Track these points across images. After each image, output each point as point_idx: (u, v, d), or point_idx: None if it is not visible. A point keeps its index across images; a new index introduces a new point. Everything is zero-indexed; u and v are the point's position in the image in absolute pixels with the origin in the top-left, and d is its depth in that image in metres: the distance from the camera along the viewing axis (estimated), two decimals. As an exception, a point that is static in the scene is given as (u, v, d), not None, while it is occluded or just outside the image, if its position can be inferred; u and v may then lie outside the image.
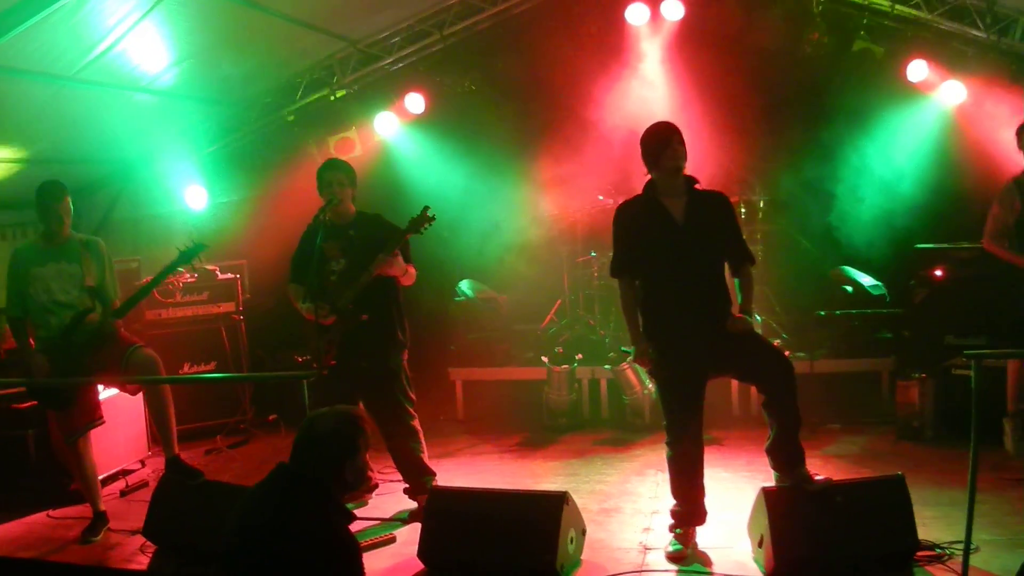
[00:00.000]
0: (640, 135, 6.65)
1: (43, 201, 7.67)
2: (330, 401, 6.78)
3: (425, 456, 7.85)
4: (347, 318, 7.49)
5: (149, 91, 10.20)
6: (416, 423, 7.81)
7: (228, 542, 4.55)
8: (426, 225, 7.54)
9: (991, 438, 8.09)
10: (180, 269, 8.15)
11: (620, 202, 7.14)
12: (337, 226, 7.69)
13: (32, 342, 7.78)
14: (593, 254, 11.51)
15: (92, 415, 7.89)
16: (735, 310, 6.59)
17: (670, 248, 6.54)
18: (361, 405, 7.51)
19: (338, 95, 12.23)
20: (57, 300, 7.67)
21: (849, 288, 11.14)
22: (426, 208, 7.57)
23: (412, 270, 7.76)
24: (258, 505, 4.61)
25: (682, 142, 6.53)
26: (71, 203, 7.81)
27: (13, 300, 7.76)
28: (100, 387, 8.25)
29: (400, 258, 7.58)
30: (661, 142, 6.54)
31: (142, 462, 9.57)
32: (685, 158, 6.54)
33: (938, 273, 10.23)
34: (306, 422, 4.78)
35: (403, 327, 7.87)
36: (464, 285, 11.83)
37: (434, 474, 7.83)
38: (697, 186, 6.70)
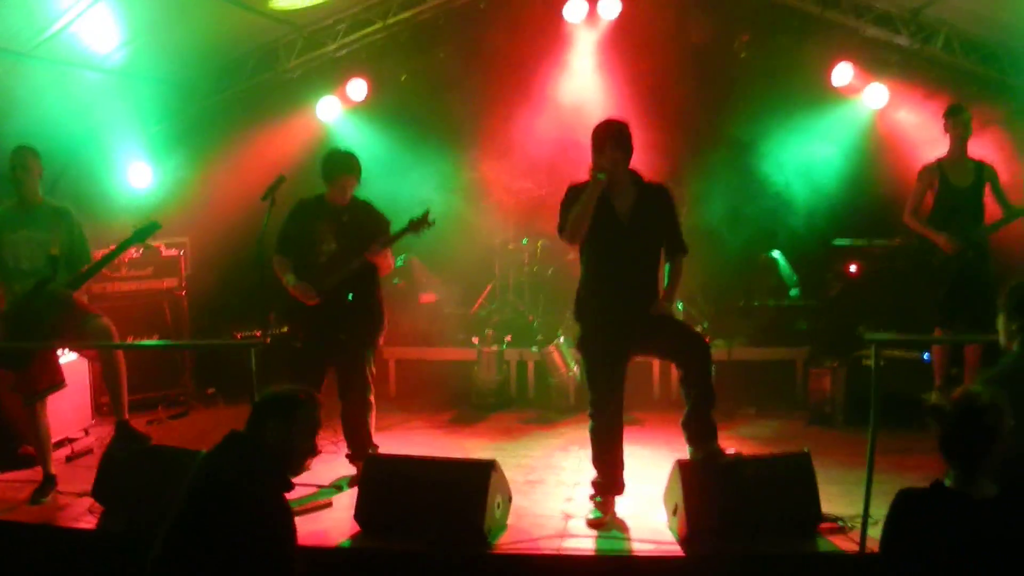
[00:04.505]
0: (571, 127, 6.91)
1: (14, 165, 7.84)
2: (301, 368, 7.15)
3: (373, 429, 8.17)
4: (332, 299, 7.78)
5: (100, 69, 10.37)
6: (372, 398, 8.12)
7: (179, 502, 4.84)
8: (425, 228, 7.87)
9: (895, 423, 8.48)
10: (133, 246, 8.31)
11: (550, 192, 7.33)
12: (332, 208, 7.95)
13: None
14: (524, 241, 11.81)
15: (53, 378, 8.05)
16: (660, 295, 6.97)
17: (612, 243, 6.83)
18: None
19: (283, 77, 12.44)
20: (21, 268, 7.85)
21: (772, 280, 11.58)
22: (427, 212, 7.88)
23: (392, 261, 8.11)
24: (210, 468, 4.86)
25: (618, 146, 6.72)
26: (42, 165, 7.97)
27: None
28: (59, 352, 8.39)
29: (389, 252, 7.95)
30: (598, 144, 6.77)
31: (85, 431, 9.70)
32: (621, 161, 6.76)
33: (852, 268, 10.75)
34: (267, 393, 5.04)
35: (382, 310, 8.19)
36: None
37: (376, 447, 8.10)
38: (642, 178, 7.01)
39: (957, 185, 8.93)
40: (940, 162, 9.04)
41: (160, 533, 4.72)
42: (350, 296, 7.84)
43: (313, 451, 5.06)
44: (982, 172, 8.91)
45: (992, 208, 8.99)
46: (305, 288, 7.76)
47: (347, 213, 7.96)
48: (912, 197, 9.17)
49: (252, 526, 4.58)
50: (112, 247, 8.22)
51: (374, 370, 8.25)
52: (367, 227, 7.93)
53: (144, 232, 8.17)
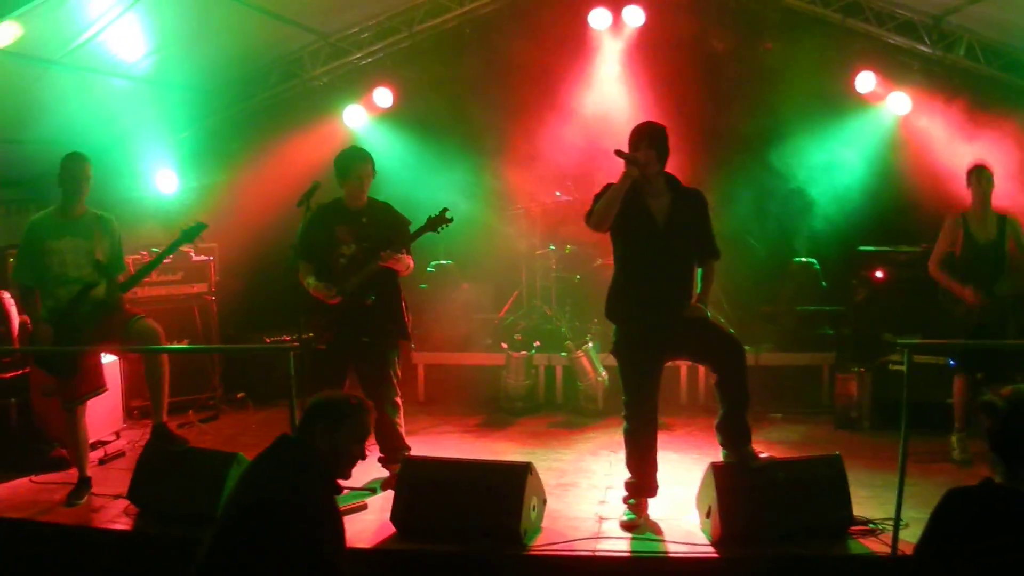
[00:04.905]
0: (596, 134, 6.93)
1: (67, 170, 7.95)
2: (322, 371, 7.21)
3: (403, 431, 8.23)
4: (353, 300, 7.85)
5: (128, 77, 10.42)
6: (399, 400, 8.19)
7: (227, 504, 4.93)
8: (443, 225, 7.95)
9: (923, 428, 8.52)
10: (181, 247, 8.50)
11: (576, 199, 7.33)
12: (349, 211, 8.01)
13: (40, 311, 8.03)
14: (552, 248, 11.82)
15: (95, 383, 8.16)
16: (693, 299, 7.03)
17: (648, 247, 6.92)
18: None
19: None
20: (68, 275, 7.93)
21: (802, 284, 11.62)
22: (444, 210, 7.97)
23: (411, 262, 8.12)
24: (259, 472, 4.95)
25: (652, 145, 6.82)
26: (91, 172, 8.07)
27: (25, 270, 8.01)
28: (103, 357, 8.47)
29: (406, 254, 7.99)
30: (633, 142, 6.89)
31: (117, 434, 9.80)
32: (655, 160, 6.84)
33: (878, 274, 10.78)
34: (318, 398, 5.13)
35: (404, 312, 8.26)
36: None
37: (409, 448, 8.17)
38: (679, 183, 7.08)
39: (980, 240, 8.99)
40: (964, 215, 9.09)
41: (208, 534, 4.77)
42: (372, 298, 7.90)
43: (362, 456, 5.13)
44: (1004, 225, 8.96)
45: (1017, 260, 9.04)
46: (326, 288, 7.84)
47: (365, 215, 8.04)
48: (937, 249, 9.22)
49: (301, 529, 4.63)
50: (155, 251, 8.34)
51: (399, 372, 8.31)
52: (386, 228, 8.02)
53: (192, 233, 8.34)
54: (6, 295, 9.43)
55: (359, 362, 8.07)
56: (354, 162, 7.99)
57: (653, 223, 6.91)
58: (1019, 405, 4.35)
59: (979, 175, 8.92)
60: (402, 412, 8.29)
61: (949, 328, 9.08)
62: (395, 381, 8.17)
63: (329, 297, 7.84)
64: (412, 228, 8.05)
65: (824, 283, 11.53)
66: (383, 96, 12.66)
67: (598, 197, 6.96)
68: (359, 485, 7.98)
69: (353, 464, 5.09)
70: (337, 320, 7.91)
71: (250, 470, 5.05)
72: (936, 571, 4.37)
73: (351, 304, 7.88)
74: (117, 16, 8.89)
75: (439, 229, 7.99)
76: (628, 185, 6.73)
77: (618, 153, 6.71)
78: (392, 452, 8.11)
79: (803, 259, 11.76)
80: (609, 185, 6.88)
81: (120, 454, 9.30)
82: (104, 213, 8.28)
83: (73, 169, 7.97)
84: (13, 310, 9.37)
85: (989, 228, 8.96)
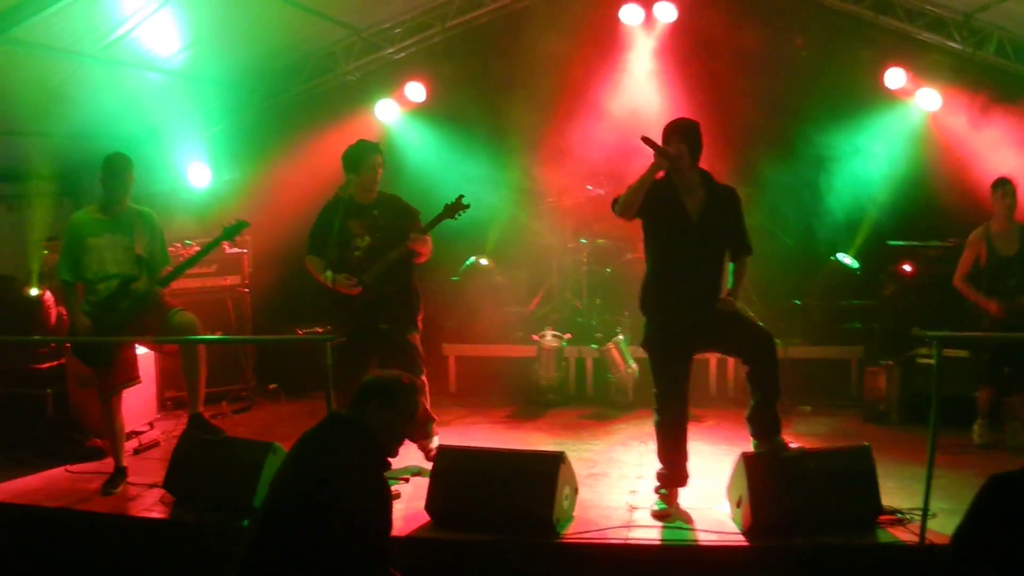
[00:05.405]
0: (627, 129, 6.98)
1: (112, 171, 8.08)
2: (346, 361, 7.30)
3: (428, 406, 8.35)
4: (373, 290, 7.99)
5: (161, 71, 10.57)
6: (424, 378, 8.25)
7: (279, 478, 5.06)
8: (460, 211, 8.10)
9: (951, 422, 8.52)
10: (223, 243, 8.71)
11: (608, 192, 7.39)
12: (361, 205, 8.15)
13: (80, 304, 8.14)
14: (583, 241, 11.89)
15: (129, 375, 8.28)
16: (724, 293, 7.08)
17: (682, 242, 6.98)
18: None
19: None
20: (108, 271, 8.06)
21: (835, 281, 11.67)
22: (460, 196, 8.12)
23: (430, 246, 8.23)
24: (311, 446, 5.08)
25: (684, 139, 6.87)
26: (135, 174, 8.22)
27: (67, 266, 8.11)
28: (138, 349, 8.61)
29: (428, 238, 8.11)
30: (666, 136, 6.95)
31: (151, 424, 9.91)
32: (687, 154, 6.87)
33: (907, 269, 10.82)
34: (371, 378, 5.31)
35: (418, 295, 8.41)
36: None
37: (435, 419, 8.41)
38: (713, 179, 7.15)
39: (1004, 253, 9.14)
40: (988, 229, 9.24)
41: (256, 517, 4.90)
42: (389, 287, 8.08)
43: (409, 435, 5.35)
44: None
45: None
46: (347, 280, 7.96)
47: (377, 207, 8.20)
48: (962, 263, 9.40)
49: (352, 501, 4.78)
50: (190, 246, 8.43)
51: (422, 351, 8.43)
52: (399, 218, 8.18)
53: (233, 231, 8.49)
54: (48, 295, 9.61)
55: (381, 350, 8.20)
56: (370, 154, 8.15)
57: (687, 218, 6.97)
58: None
59: (1003, 189, 9.02)
60: (428, 389, 8.44)
61: (977, 324, 9.18)
62: (420, 362, 8.30)
63: (351, 288, 7.97)
64: (427, 217, 8.20)
65: (859, 272, 11.50)
66: (415, 91, 12.73)
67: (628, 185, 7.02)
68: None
69: (401, 442, 5.24)
70: (357, 311, 8.03)
71: (302, 448, 5.15)
72: (978, 555, 4.44)
73: (370, 294, 8.03)
74: (153, 11, 9.03)
75: (456, 215, 8.13)
76: (655, 175, 6.80)
77: (644, 140, 6.75)
78: (420, 429, 8.21)
79: (842, 257, 11.74)
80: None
81: (154, 444, 9.44)
82: (144, 208, 8.40)
83: (118, 171, 8.12)
84: (52, 303, 9.51)
85: (1012, 241, 9.08)
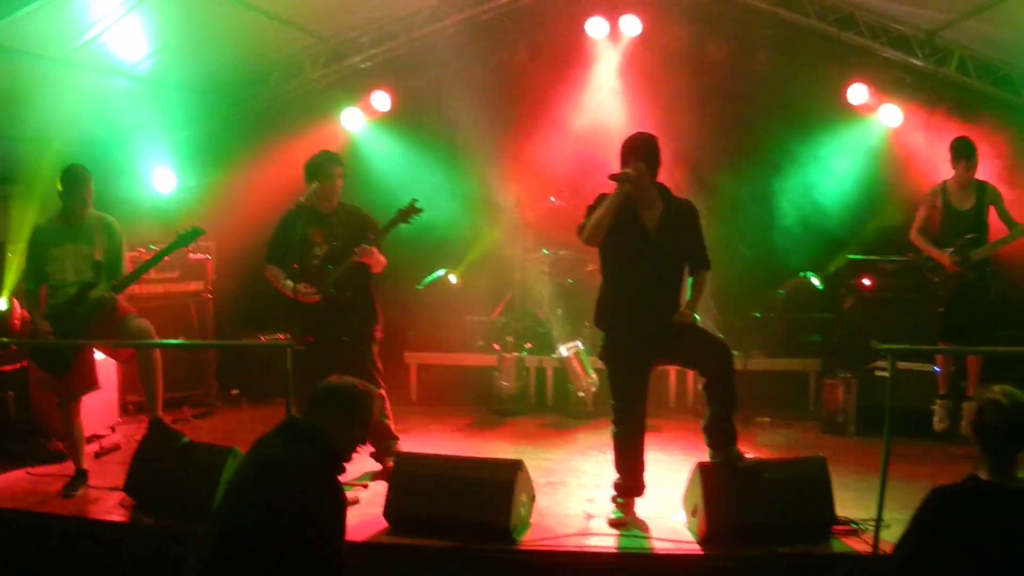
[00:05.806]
0: (591, 141, 7.04)
1: (69, 185, 8.09)
2: (306, 370, 7.32)
3: (390, 423, 8.41)
4: (331, 298, 8.03)
5: (128, 76, 10.57)
6: (383, 392, 8.29)
7: (233, 482, 5.07)
8: (414, 216, 8.13)
9: (907, 433, 8.74)
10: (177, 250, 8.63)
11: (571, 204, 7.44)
12: (321, 214, 8.21)
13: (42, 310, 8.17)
14: (545, 252, 11.91)
15: (87, 381, 8.30)
16: (682, 306, 7.12)
17: (638, 256, 7.00)
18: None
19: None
20: (68, 279, 8.11)
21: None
22: (414, 200, 8.17)
23: (383, 259, 8.28)
24: (266, 450, 5.05)
25: (642, 157, 6.90)
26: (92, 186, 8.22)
27: (30, 274, 8.19)
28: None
29: (378, 251, 8.17)
30: (624, 155, 7.00)
31: (112, 428, 9.90)
32: (646, 172, 6.90)
33: (866, 282, 10.91)
34: (327, 383, 5.30)
35: (377, 312, 8.46)
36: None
37: (397, 438, 8.41)
38: (671, 193, 7.18)
39: (958, 207, 9.25)
40: (944, 184, 9.37)
41: (215, 511, 4.94)
42: (348, 294, 8.12)
43: (364, 441, 5.36)
44: (984, 193, 9.17)
45: (998, 227, 9.20)
46: (306, 288, 7.99)
47: (336, 216, 8.28)
48: (918, 217, 9.55)
49: (307, 505, 4.76)
50: (153, 251, 8.43)
51: (380, 364, 8.48)
52: (357, 227, 8.25)
53: (187, 237, 8.46)
54: (15, 301, 9.64)
55: (339, 360, 8.14)
56: (332, 164, 8.25)
57: (644, 233, 7.00)
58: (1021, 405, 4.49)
59: (959, 150, 9.16)
60: (388, 404, 8.45)
61: (930, 295, 9.50)
62: (377, 375, 8.33)
63: (309, 296, 8.00)
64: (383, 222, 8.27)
65: (821, 287, 11.58)
66: (381, 100, 12.77)
67: (591, 209, 7.04)
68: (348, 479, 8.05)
69: (356, 448, 5.25)
70: (316, 320, 8.06)
71: (258, 452, 5.12)
72: (920, 567, 4.49)
73: (329, 302, 8.07)
74: (120, 17, 9.03)
75: (410, 219, 8.18)
76: (620, 202, 6.84)
77: (612, 177, 6.84)
78: (381, 445, 8.30)
79: (806, 275, 11.81)
80: (601, 196, 6.99)
81: (115, 448, 9.41)
82: (107, 216, 8.41)
83: (75, 184, 8.14)
84: (17, 309, 9.50)
85: (968, 196, 9.20)
